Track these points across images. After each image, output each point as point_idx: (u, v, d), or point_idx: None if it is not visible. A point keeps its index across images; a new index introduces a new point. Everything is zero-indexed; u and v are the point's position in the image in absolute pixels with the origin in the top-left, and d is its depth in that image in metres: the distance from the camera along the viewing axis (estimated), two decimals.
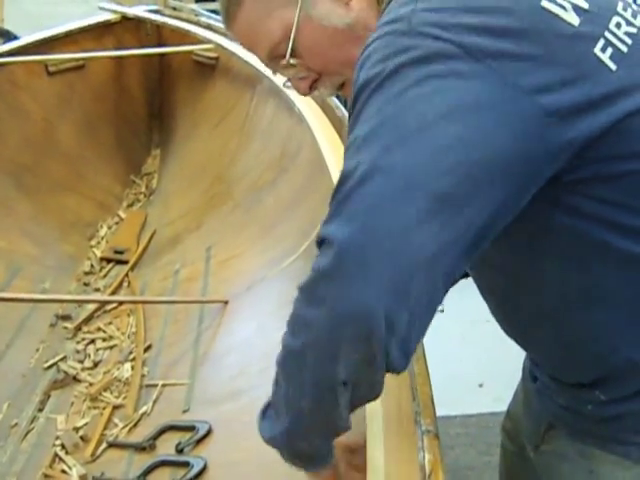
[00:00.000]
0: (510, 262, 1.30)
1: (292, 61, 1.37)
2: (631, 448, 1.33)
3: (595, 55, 1.11)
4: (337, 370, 1.07)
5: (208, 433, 2.26)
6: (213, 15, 5.86)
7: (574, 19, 1.13)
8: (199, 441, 2.24)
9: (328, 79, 1.42)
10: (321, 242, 1.09)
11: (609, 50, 1.13)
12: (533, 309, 1.34)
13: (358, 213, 1.05)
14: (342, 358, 1.06)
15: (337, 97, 3.21)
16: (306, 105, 3.39)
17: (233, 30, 1.42)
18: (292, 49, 1.36)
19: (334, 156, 2.79)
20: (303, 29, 1.36)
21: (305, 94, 1.45)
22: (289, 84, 1.48)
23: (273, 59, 1.40)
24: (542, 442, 1.55)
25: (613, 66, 1.12)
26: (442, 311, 1.70)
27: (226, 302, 2.94)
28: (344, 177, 1.08)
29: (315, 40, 1.37)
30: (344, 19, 1.37)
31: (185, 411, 2.48)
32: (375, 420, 1.42)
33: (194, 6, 6.39)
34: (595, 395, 1.33)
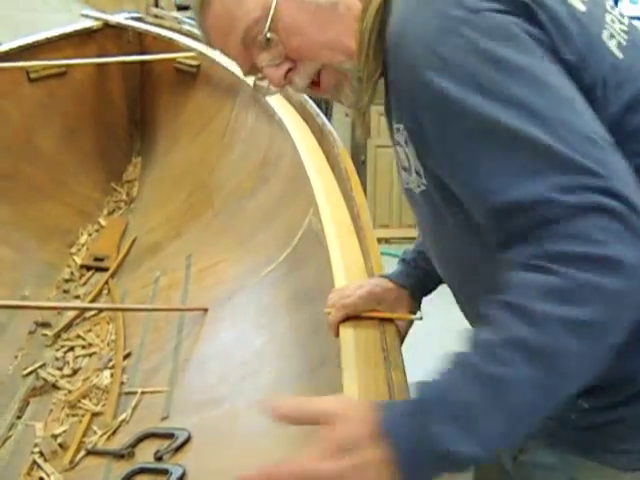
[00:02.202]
0: None
1: (269, 35, 1.35)
2: (619, 456, 1.32)
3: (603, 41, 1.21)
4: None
5: (187, 441, 2.25)
6: (195, 23, 5.88)
7: (581, 6, 1.22)
8: (178, 449, 2.24)
9: (303, 67, 1.40)
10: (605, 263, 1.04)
11: (614, 40, 1.22)
12: None
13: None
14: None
15: (318, 105, 3.23)
16: (287, 113, 3.41)
17: (207, 19, 1.40)
18: (270, 27, 1.35)
19: (314, 164, 2.80)
20: (283, 6, 1.35)
21: (278, 85, 1.43)
22: (261, 80, 1.46)
23: (248, 44, 1.38)
24: (520, 453, 1.55)
25: (620, 55, 1.20)
26: (420, 319, 1.73)
27: (206, 310, 2.94)
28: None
29: (295, 18, 1.36)
30: None
31: (164, 418, 2.48)
32: None
33: (176, 14, 6.41)
34: (578, 404, 1.32)
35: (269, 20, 1.34)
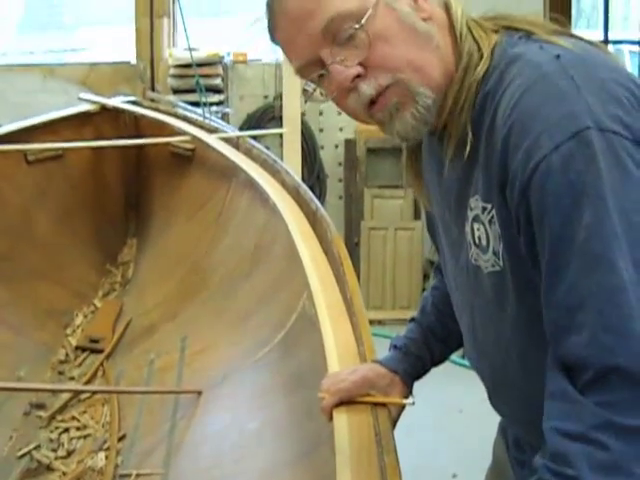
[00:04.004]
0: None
1: (359, 32, 1.35)
2: None
3: None
4: None
5: None
6: (190, 107, 5.98)
7: None
8: None
9: (375, 76, 1.38)
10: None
11: None
12: None
13: None
14: None
15: (312, 189, 3.29)
16: (281, 198, 3.45)
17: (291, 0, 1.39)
18: (362, 24, 1.35)
19: (308, 249, 2.84)
20: (380, 12, 1.36)
21: (343, 85, 1.39)
22: (313, 82, 1.44)
23: (329, 33, 1.37)
24: None
25: None
26: (413, 403, 1.76)
27: (200, 393, 2.96)
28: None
29: (390, 28, 1.37)
30: (423, 27, 1.39)
31: None
32: None
33: (172, 98, 6.51)
34: None
35: (366, 16, 1.34)
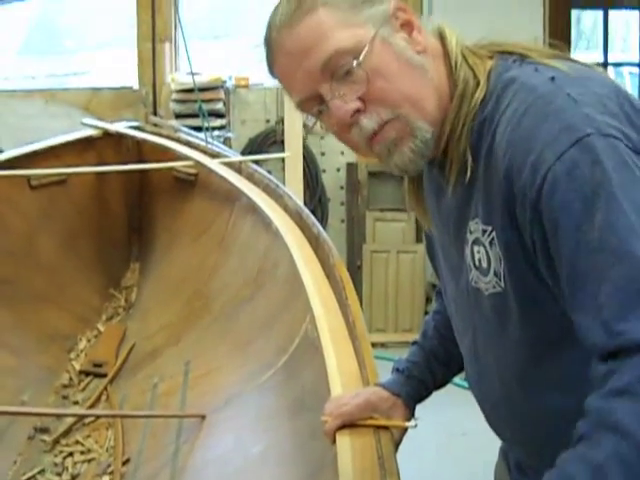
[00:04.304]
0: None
1: (358, 68, 1.37)
2: None
3: None
4: None
5: None
6: (192, 132, 6.00)
7: None
8: None
9: (377, 111, 1.40)
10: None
11: None
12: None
13: None
14: None
15: (313, 212, 3.30)
16: (283, 222, 3.47)
17: (289, 35, 1.41)
18: (359, 60, 1.37)
19: (310, 273, 2.86)
20: (377, 48, 1.38)
21: (344, 121, 1.42)
22: (314, 115, 1.46)
23: (328, 69, 1.39)
24: None
25: None
26: (415, 426, 1.77)
27: (203, 416, 2.97)
28: None
29: (386, 63, 1.39)
30: (419, 60, 1.42)
31: None
32: None
33: (174, 122, 6.54)
34: None
35: (364, 52, 1.37)
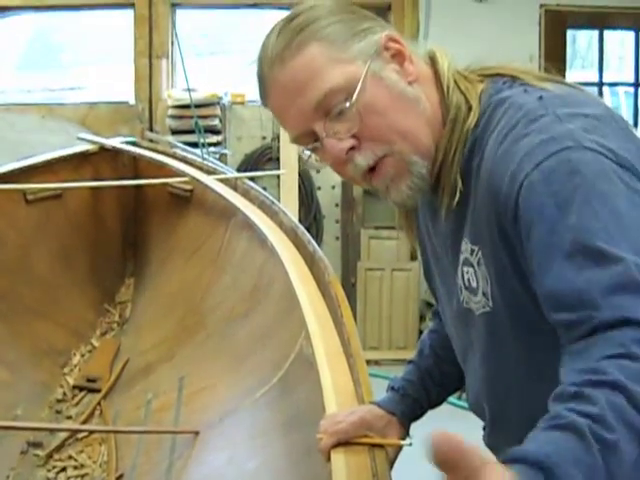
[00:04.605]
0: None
1: (351, 108, 1.38)
2: None
3: None
4: None
5: None
6: (188, 148, 6.02)
7: None
8: None
9: (371, 148, 1.42)
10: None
11: None
12: None
13: None
14: None
15: (308, 229, 3.31)
16: (278, 239, 3.47)
17: (282, 71, 1.41)
18: (352, 100, 1.38)
19: (305, 290, 2.86)
20: (369, 84, 1.39)
21: (339, 157, 1.44)
22: (310, 150, 1.47)
23: (321, 108, 1.40)
24: None
25: None
26: (410, 445, 1.78)
27: (197, 433, 2.97)
28: None
29: (378, 98, 1.40)
30: (410, 91, 1.43)
31: None
32: None
33: (170, 138, 6.55)
34: None
35: (357, 92, 1.38)
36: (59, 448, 3.37)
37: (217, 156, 6.49)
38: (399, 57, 1.45)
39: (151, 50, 7.37)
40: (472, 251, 1.40)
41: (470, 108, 1.43)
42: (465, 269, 1.45)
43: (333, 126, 1.41)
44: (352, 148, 1.42)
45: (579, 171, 1.20)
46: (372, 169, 1.45)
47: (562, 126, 1.26)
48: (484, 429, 1.72)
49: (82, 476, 3.16)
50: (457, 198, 1.42)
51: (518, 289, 1.34)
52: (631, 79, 7.96)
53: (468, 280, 1.45)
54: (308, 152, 1.50)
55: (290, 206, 5.68)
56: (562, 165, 1.21)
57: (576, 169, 1.20)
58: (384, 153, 1.42)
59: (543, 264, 1.20)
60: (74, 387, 3.99)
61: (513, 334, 1.41)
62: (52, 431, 3.51)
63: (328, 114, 1.41)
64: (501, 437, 1.62)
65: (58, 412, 3.77)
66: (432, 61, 1.51)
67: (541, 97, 1.33)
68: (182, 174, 4.77)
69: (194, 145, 6.08)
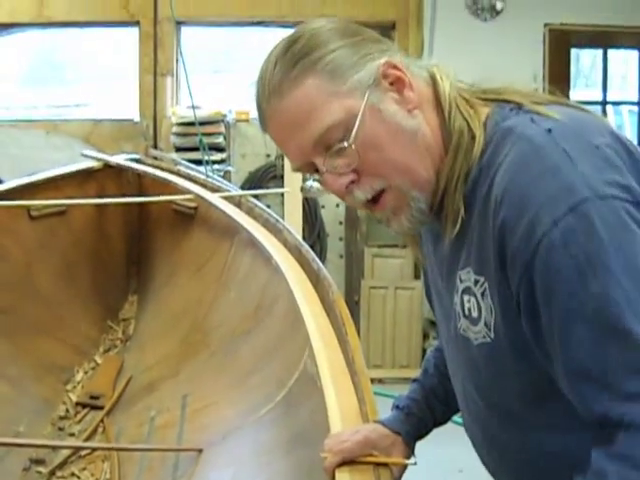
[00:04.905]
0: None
1: (350, 145, 1.38)
2: None
3: None
4: None
5: None
6: (192, 165, 6.02)
7: None
8: None
9: (370, 182, 1.42)
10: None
11: None
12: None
13: None
14: None
15: (312, 247, 3.31)
16: (283, 257, 3.47)
17: (279, 109, 1.41)
18: (350, 139, 1.38)
19: (309, 308, 2.85)
20: (367, 118, 1.38)
21: (339, 192, 1.44)
22: (313, 182, 1.48)
23: (319, 146, 1.41)
24: None
25: None
26: (415, 464, 1.77)
27: (200, 450, 2.96)
28: None
29: (377, 132, 1.40)
30: (409, 123, 1.41)
31: None
32: None
33: (174, 156, 6.56)
34: None
35: (355, 130, 1.38)
36: (62, 465, 3.36)
37: (221, 174, 6.50)
38: (398, 84, 1.44)
39: (156, 67, 7.40)
40: (476, 282, 1.40)
41: (473, 136, 1.42)
42: (466, 298, 1.44)
43: (332, 162, 1.41)
44: (352, 182, 1.43)
45: (597, 231, 1.21)
46: (374, 199, 1.45)
47: (574, 169, 1.25)
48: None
49: None
50: (458, 226, 1.41)
51: (520, 324, 1.33)
52: (635, 98, 7.98)
53: (469, 309, 1.44)
54: (310, 183, 1.51)
55: (294, 224, 5.68)
56: (580, 223, 1.21)
57: (594, 229, 1.21)
58: (382, 187, 1.43)
59: (565, 333, 1.23)
60: (77, 404, 3.98)
61: (514, 366, 1.40)
62: (55, 448, 3.50)
63: (328, 149, 1.41)
64: (498, 464, 1.62)
65: (61, 429, 3.76)
66: (433, 82, 1.49)
67: (550, 130, 1.32)
68: (186, 191, 4.77)
69: (198, 162, 6.09)
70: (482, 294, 1.38)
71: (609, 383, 1.19)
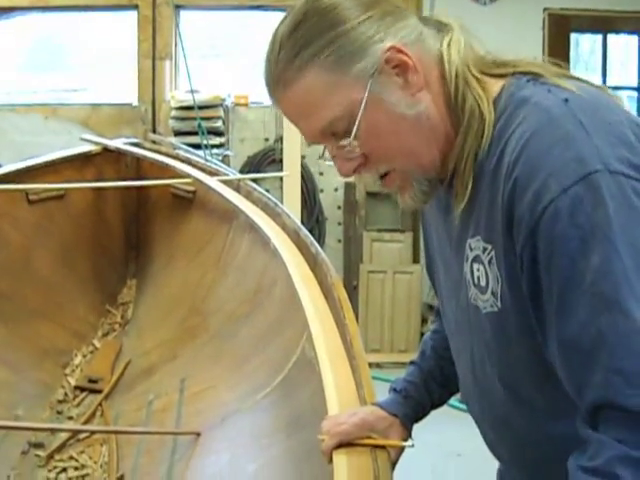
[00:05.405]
0: None
1: (351, 137, 1.39)
2: None
3: None
4: None
5: None
6: (191, 149, 6.01)
7: None
8: None
9: (375, 166, 1.45)
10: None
11: None
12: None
13: None
14: None
15: (311, 231, 3.30)
16: (281, 241, 3.47)
17: (284, 98, 1.42)
18: (353, 131, 1.39)
19: (308, 292, 2.85)
20: (369, 108, 1.38)
21: (347, 175, 1.48)
22: (329, 161, 1.50)
23: (326, 134, 1.42)
24: None
25: None
26: (412, 446, 1.77)
27: (198, 434, 2.97)
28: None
29: (379, 122, 1.40)
30: (412, 108, 1.41)
31: None
32: None
33: (173, 140, 6.55)
34: None
35: (357, 121, 1.38)
36: (60, 448, 3.37)
37: (220, 158, 6.49)
38: (403, 67, 1.41)
39: (154, 52, 7.38)
40: (485, 249, 1.39)
41: (483, 116, 1.41)
42: (475, 266, 1.43)
43: (340, 150, 1.44)
44: (360, 164, 1.45)
45: (604, 203, 1.21)
46: (382, 177, 1.48)
47: (589, 141, 1.25)
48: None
49: (83, 477, 3.15)
50: (469, 191, 1.41)
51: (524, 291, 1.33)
52: (634, 83, 7.97)
53: (478, 278, 1.44)
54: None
55: (292, 208, 5.67)
56: (589, 193, 1.21)
57: (602, 200, 1.21)
58: (387, 170, 1.46)
59: (562, 301, 1.24)
60: (75, 388, 3.99)
61: (518, 337, 1.40)
62: (53, 431, 3.50)
63: (334, 136, 1.42)
64: (501, 440, 1.62)
65: (59, 412, 3.76)
66: (441, 64, 1.46)
67: (566, 100, 1.31)
68: (185, 175, 4.76)
69: (197, 147, 6.09)
70: (489, 262, 1.38)
71: (597, 356, 1.19)
